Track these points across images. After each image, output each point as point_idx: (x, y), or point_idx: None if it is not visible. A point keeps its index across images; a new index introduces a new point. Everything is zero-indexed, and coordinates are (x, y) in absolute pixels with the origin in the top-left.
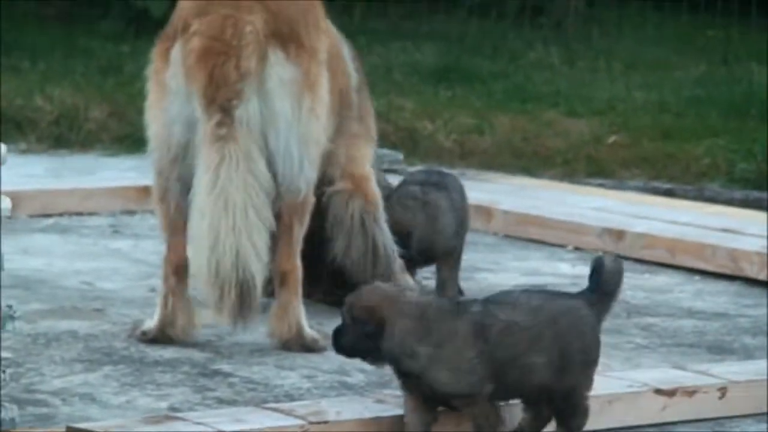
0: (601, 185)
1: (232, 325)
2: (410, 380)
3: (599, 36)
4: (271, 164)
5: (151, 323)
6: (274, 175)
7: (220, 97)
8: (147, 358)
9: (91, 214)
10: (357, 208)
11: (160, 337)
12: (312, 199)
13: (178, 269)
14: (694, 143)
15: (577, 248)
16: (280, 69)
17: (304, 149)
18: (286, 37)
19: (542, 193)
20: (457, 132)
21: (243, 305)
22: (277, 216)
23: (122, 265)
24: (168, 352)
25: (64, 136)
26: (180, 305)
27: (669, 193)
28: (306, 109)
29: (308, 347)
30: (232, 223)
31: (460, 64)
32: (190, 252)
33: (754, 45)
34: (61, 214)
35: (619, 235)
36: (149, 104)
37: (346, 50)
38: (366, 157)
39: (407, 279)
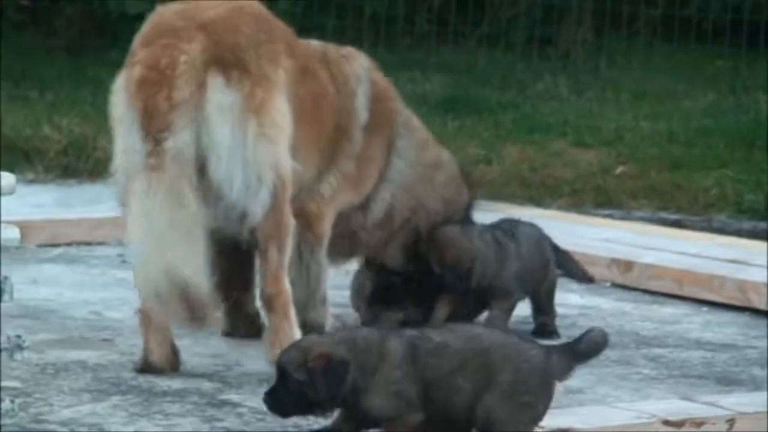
0: (609, 216)
1: (195, 330)
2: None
3: (607, 66)
4: (217, 190)
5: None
6: (224, 201)
7: (153, 127)
8: (155, 388)
9: (99, 243)
10: (302, 240)
11: (146, 366)
12: (289, 221)
13: None
14: (702, 174)
15: None
16: (219, 95)
17: (253, 173)
18: (229, 63)
19: (550, 224)
20: (466, 162)
21: (193, 313)
22: (255, 243)
23: (130, 295)
24: (176, 383)
25: (72, 165)
26: (154, 332)
27: (677, 224)
28: (252, 133)
29: None
30: (158, 248)
31: (468, 95)
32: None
33: (762, 75)
34: (69, 244)
35: (627, 265)
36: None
37: (363, 89)
38: (340, 200)
39: (326, 313)
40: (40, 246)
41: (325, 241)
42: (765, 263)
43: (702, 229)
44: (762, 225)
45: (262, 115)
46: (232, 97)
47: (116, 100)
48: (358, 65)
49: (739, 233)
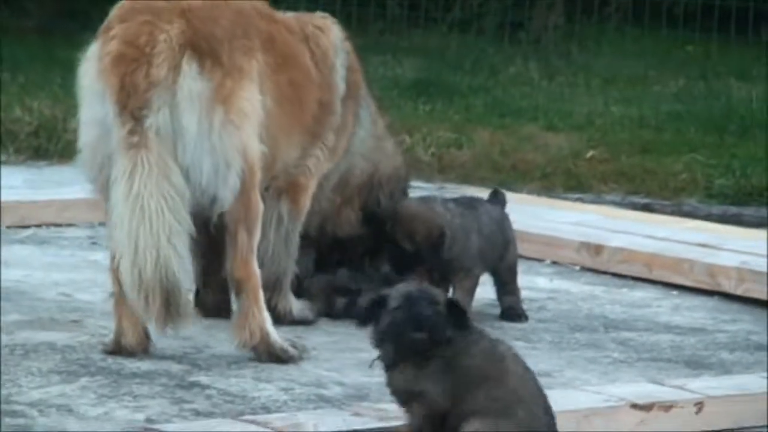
0: (579, 199)
1: (161, 330)
2: None
3: (578, 51)
4: (186, 176)
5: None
6: (194, 186)
7: (131, 104)
8: (124, 370)
9: (69, 225)
10: (281, 209)
11: (117, 348)
12: (258, 205)
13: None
14: (672, 158)
15: (554, 262)
16: (191, 81)
17: (221, 161)
18: (204, 51)
19: (520, 207)
20: (436, 146)
21: (169, 310)
22: (224, 226)
23: (100, 277)
24: (145, 364)
25: (42, 147)
26: (127, 315)
27: (647, 208)
28: (219, 122)
29: (276, 355)
30: (150, 229)
31: (439, 79)
32: (115, 259)
33: (733, 60)
34: (39, 226)
35: (596, 249)
36: (79, 111)
37: (340, 60)
38: (320, 170)
39: (289, 292)
40: (9, 227)
41: (302, 218)
42: (734, 247)
43: (672, 213)
44: (732, 209)
45: (229, 104)
46: (203, 85)
47: (87, 68)
48: (335, 36)
49: (708, 217)
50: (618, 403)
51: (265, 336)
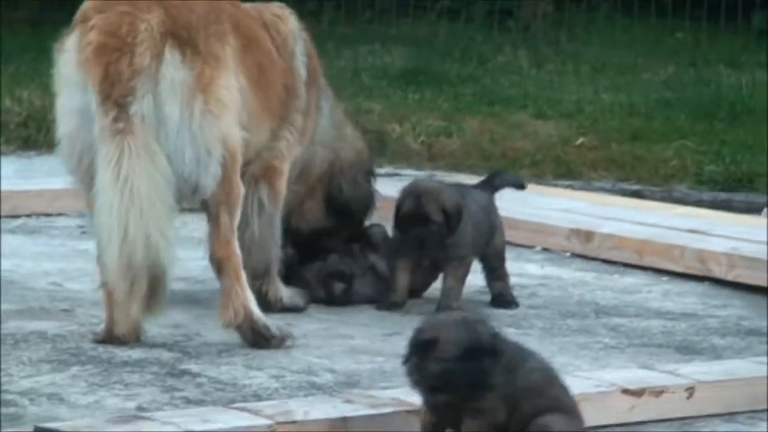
0: (569, 186)
1: (141, 315)
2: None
3: (567, 39)
4: (169, 163)
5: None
6: (176, 174)
7: (115, 93)
8: (115, 358)
9: (59, 214)
10: (265, 198)
11: (108, 338)
12: (239, 189)
13: None
14: (662, 145)
15: (545, 249)
16: (173, 71)
17: (202, 149)
18: (183, 40)
19: (510, 194)
20: (426, 134)
21: (153, 294)
22: (205, 206)
23: (91, 266)
24: (136, 353)
25: (32, 137)
26: (119, 304)
27: (637, 195)
28: (199, 111)
29: (260, 333)
30: (140, 213)
31: (428, 67)
32: (101, 246)
33: (723, 48)
34: (29, 215)
35: (587, 236)
36: (56, 106)
37: (300, 48)
38: (292, 153)
39: (278, 279)
40: (0, 217)
41: (281, 202)
42: (725, 233)
43: (662, 199)
44: (722, 195)
45: (209, 93)
46: (184, 74)
47: (66, 59)
48: (292, 24)
49: (699, 204)
50: (609, 388)
51: (248, 314)
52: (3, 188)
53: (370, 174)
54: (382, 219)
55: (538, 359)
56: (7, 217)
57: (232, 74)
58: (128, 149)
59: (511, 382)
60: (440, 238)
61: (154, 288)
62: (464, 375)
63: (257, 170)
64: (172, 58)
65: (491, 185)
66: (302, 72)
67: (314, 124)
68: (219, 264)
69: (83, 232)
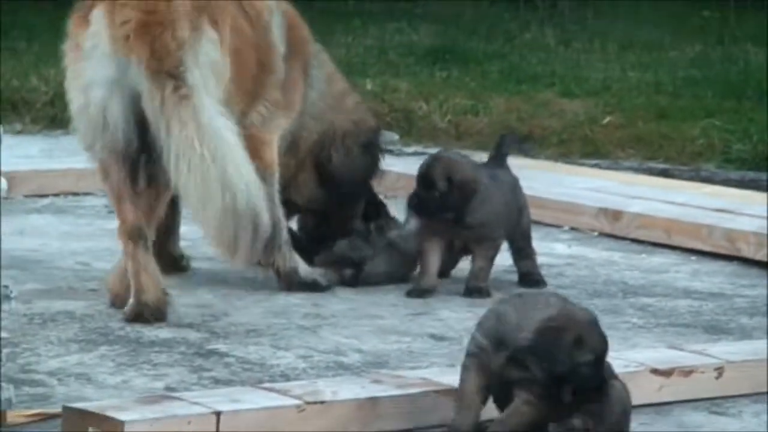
0: (596, 165)
1: (248, 263)
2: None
3: (594, 17)
4: None
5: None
6: None
7: (167, 65)
8: (143, 338)
9: (86, 194)
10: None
11: (138, 307)
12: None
13: (132, 234)
14: (689, 124)
15: (573, 228)
16: (211, 46)
17: None
18: (211, 15)
19: (538, 174)
20: (453, 113)
21: (256, 239)
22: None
23: (117, 246)
24: (164, 333)
25: (59, 116)
26: (147, 268)
27: (664, 174)
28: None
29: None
30: (233, 160)
31: (455, 45)
32: (190, 207)
33: (750, 25)
34: (56, 195)
35: (615, 215)
36: (69, 78)
37: (276, 20)
38: (276, 125)
39: (293, 255)
40: (27, 196)
41: (275, 172)
42: (753, 212)
43: (690, 178)
44: (749, 174)
45: (228, 71)
46: (219, 52)
47: (93, 33)
48: None
49: (726, 183)
50: (638, 368)
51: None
52: (30, 167)
53: (370, 146)
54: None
55: None
56: (33, 196)
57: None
58: (202, 108)
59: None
60: (443, 207)
61: (257, 233)
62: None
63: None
64: (207, 32)
65: (500, 153)
66: (279, 46)
67: (300, 97)
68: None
69: (110, 212)
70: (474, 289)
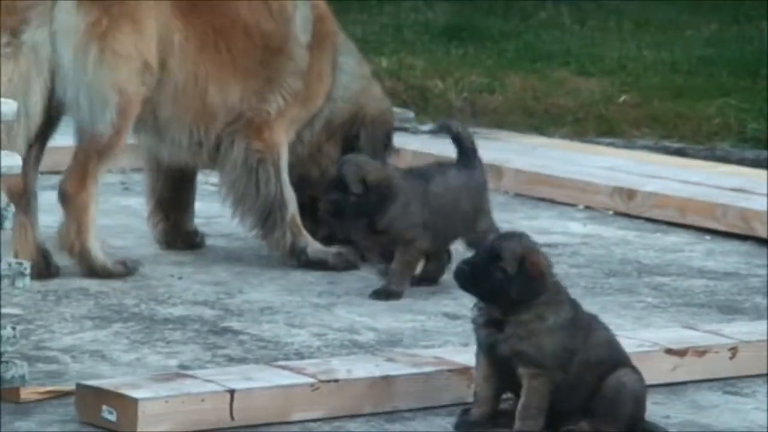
0: (611, 144)
1: None
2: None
3: None
4: (66, 108)
5: None
6: (77, 123)
7: (11, 21)
8: (157, 315)
9: None
10: (249, 149)
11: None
12: (122, 141)
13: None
14: (705, 103)
15: (587, 207)
16: (66, 14)
17: (97, 99)
18: None
19: (553, 152)
20: (468, 91)
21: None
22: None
23: (133, 222)
24: (178, 310)
25: None
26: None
27: (680, 153)
28: (93, 59)
29: (97, 271)
30: None
31: (471, 23)
32: None
33: (765, 4)
34: None
35: (629, 194)
36: None
37: (301, 13)
38: (287, 114)
39: (301, 231)
40: (42, 173)
41: (281, 153)
42: (767, 192)
43: (705, 157)
44: (765, 153)
45: (106, 42)
46: (78, 20)
47: None
48: None
49: (741, 162)
50: (652, 348)
51: (85, 252)
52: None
53: (388, 138)
54: None
55: (598, 319)
56: (48, 173)
57: (139, 28)
58: (8, 75)
59: (585, 340)
60: (358, 211)
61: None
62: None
63: (241, 128)
64: (65, 3)
65: (465, 150)
66: (301, 36)
67: (324, 87)
68: (65, 197)
69: (125, 188)
70: (381, 291)
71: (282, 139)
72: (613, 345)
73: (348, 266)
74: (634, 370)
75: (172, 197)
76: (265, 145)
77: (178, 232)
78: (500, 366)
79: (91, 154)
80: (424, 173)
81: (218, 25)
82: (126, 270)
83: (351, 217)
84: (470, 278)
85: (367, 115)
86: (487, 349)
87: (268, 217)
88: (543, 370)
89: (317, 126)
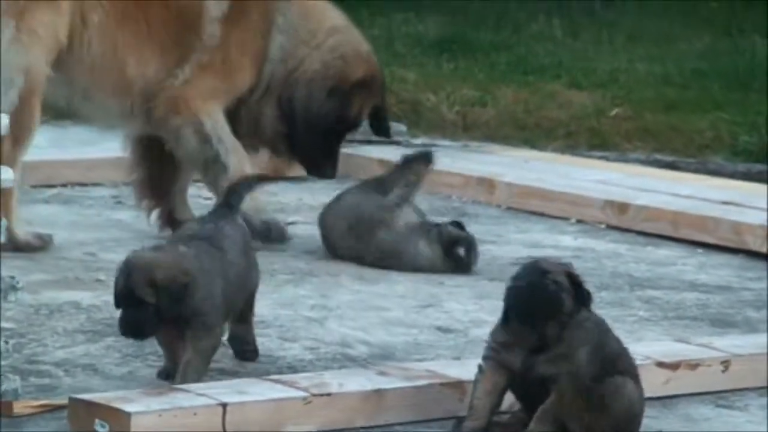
0: (603, 158)
1: None
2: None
3: (602, 8)
4: None
5: None
6: None
7: None
8: None
9: (94, 184)
10: (168, 122)
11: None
12: (32, 125)
13: None
14: (697, 116)
15: (579, 221)
16: None
17: (5, 76)
18: None
19: (545, 166)
20: (460, 104)
21: None
22: None
23: (125, 236)
24: None
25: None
26: None
27: (672, 166)
28: (7, 38)
29: (22, 248)
30: None
31: (463, 36)
32: None
33: (758, 17)
34: (64, 185)
35: (621, 207)
36: None
37: None
38: (208, 86)
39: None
40: (34, 187)
41: (203, 121)
42: (760, 205)
43: (697, 171)
44: (757, 167)
45: (22, 21)
46: None
47: None
48: None
49: (733, 175)
50: (644, 361)
51: (13, 235)
52: (38, 157)
53: (336, 94)
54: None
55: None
56: (41, 186)
57: (55, 9)
58: None
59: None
60: (160, 317)
61: None
62: None
63: (159, 103)
64: None
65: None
66: (214, 11)
67: (250, 53)
68: None
69: (118, 202)
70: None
71: (203, 108)
72: (625, 353)
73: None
74: (635, 385)
75: (156, 177)
76: (182, 117)
77: (171, 218)
78: (529, 385)
79: (4, 140)
80: (211, 235)
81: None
82: (43, 243)
83: (157, 327)
84: (529, 295)
85: (304, 74)
86: (524, 371)
87: (208, 181)
88: (574, 386)
89: (261, 87)
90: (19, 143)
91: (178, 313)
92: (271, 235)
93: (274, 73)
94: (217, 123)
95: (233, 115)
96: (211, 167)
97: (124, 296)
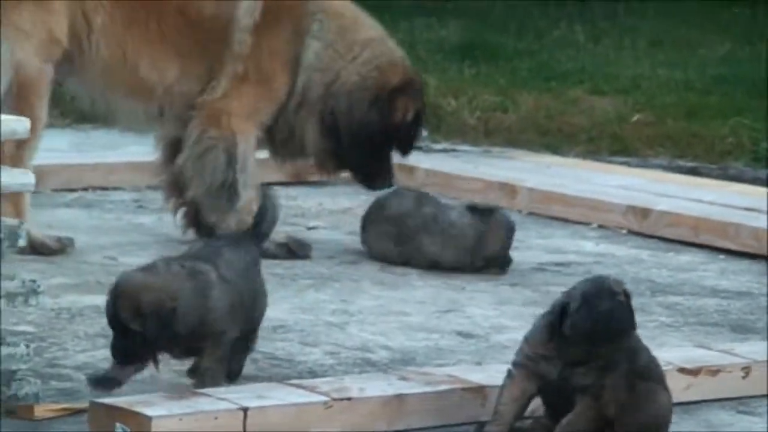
0: (625, 163)
1: None
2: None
3: (624, 13)
4: None
5: None
6: None
7: None
8: None
9: (115, 188)
10: (204, 134)
11: None
12: (40, 119)
13: None
14: (718, 122)
15: (601, 226)
16: None
17: None
18: None
19: (566, 171)
20: (482, 109)
21: None
22: None
23: (146, 240)
24: None
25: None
26: None
27: (693, 172)
28: None
29: (39, 250)
30: None
31: (484, 41)
32: None
33: None
34: (85, 189)
35: (643, 213)
36: None
37: None
38: (251, 101)
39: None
40: (55, 191)
41: (238, 142)
42: None
43: (718, 176)
44: None
45: (9, 19)
46: None
47: None
48: None
49: (755, 181)
50: (665, 367)
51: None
52: (59, 161)
53: (377, 103)
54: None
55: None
56: (62, 190)
57: (46, 11)
58: None
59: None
60: (155, 340)
61: None
62: None
63: (200, 112)
64: None
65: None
66: (244, 20)
67: (281, 65)
68: None
69: (139, 206)
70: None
71: (242, 128)
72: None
73: (293, 256)
74: (667, 394)
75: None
76: (221, 132)
77: (195, 219)
78: (561, 394)
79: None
80: (209, 255)
81: (164, 11)
82: (60, 245)
83: (150, 353)
84: (609, 320)
85: (343, 86)
86: (560, 381)
87: (214, 203)
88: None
89: (296, 95)
90: (23, 144)
91: (168, 341)
92: (297, 254)
93: (310, 83)
94: (248, 149)
95: (270, 126)
96: (224, 191)
97: (111, 322)
